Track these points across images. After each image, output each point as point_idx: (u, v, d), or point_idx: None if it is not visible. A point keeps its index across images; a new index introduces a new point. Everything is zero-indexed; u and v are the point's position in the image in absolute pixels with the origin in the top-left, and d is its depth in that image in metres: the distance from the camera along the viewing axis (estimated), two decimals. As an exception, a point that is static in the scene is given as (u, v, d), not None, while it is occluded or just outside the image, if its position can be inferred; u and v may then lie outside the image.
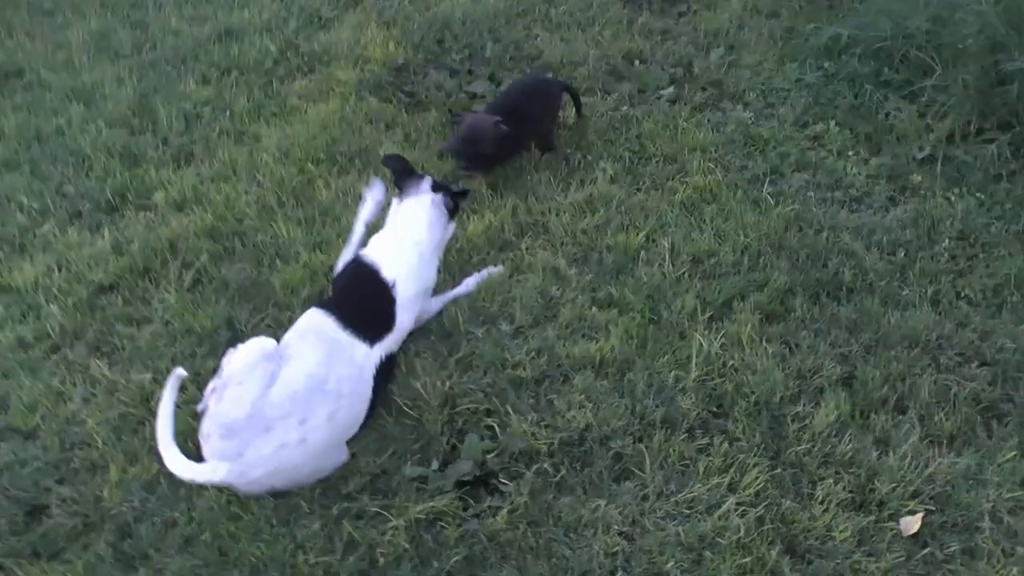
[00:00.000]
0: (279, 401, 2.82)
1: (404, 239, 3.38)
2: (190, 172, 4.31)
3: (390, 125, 4.69)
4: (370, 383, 3.04)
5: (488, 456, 2.93)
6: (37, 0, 6.07)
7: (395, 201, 3.56)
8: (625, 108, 4.86)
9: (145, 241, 3.84)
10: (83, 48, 5.47)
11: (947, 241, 3.90)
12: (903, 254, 3.84)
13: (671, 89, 5.01)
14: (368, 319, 3.14)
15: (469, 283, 3.60)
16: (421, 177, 3.58)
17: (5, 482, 2.88)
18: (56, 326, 3.45)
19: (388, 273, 3.24)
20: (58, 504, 2.83)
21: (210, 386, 3.00)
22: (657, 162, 4.39)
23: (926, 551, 2.73)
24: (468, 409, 3.11)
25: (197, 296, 3.60)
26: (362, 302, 3.19)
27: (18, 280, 3.65)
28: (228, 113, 4.77)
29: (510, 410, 3.08)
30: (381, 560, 2.64)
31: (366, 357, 3.06)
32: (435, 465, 2.91)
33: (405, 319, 3.24)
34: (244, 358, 2.99)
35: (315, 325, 3.10)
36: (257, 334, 3.34)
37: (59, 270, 3.72)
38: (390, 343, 3.17)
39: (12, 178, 4.28)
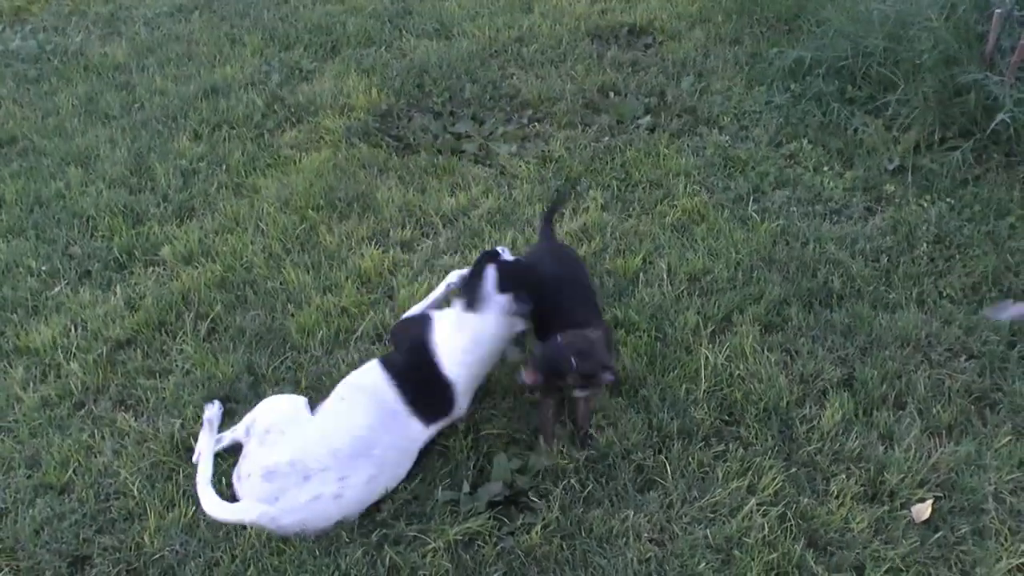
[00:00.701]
0: (322, 454, 2.91)
1: (469, 347, 3.20)
2: (194, 226, 4.41)
3: (383, 169, 4.83)
4: (414, 456, 3.11)
5: (516, 476, 3.04)
6: (22, 69, 6.13)
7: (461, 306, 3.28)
8: (606, 139, 5.05)
9: (158, 295, 3.93)
10: (73, 113, 5.55)
11: (925, 245, 4.12)
12: (886, 260, 4.04)
13: (648, 118, 5.22)
14: (430, 402, 3.14)
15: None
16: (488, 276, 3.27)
17: (46, 537, 2.93)
18: (78, 383, 3.52)
19: (450, 371, 3.15)
20: (100, 553, 2.89)
21: (242, 427, 3.10)
22: (644, 188, 4.58)
23: (939, 535, 2.90)
24: (492, 433, 3.23)
25: (215, 345, 3.69)
26: (426, 386, 3.15)
27: (36, 341, 3.71)
28: (224, 167, 4.88)
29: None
30: (424, 583, 2.73)
31: (419, 434, 3.11)
32: (466, 488, 3.02)
33: (462, 405, 3.21)
34: (286, 408, 3.11)
35: (377, 388, 3.12)
36: (279, 376, 3.47)
37: (75, 329, 3.79)
38: (442, 424, 3.20)
39: (18, 243, 4.34)
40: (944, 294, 3.88)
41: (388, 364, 3.18)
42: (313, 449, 2.93)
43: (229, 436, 3.19)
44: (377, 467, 2.95)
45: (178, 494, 3.05)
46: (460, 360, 3.16)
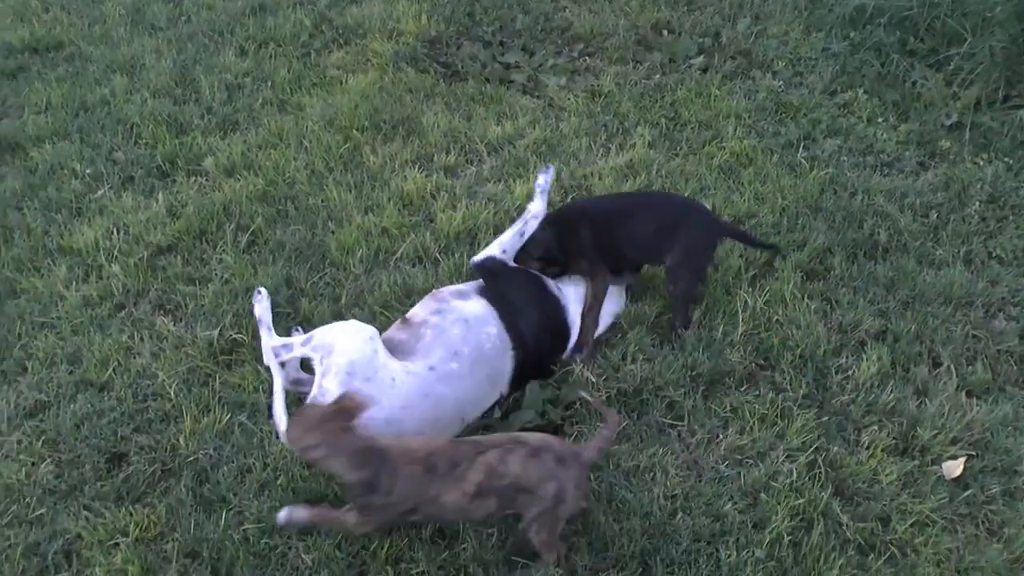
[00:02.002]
0: (422, 420, 2.85)
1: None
2: (237, 139, 4.41)
3: (429, 95, 4.79)
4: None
5: (548, 407, 3.05)
6: (70, -25, 6.13)
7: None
8: (657, 77, 4.96)
9: (199, 205, 3.95)
10: (120, 21, 5.54)
11: (977, 204, 4.03)
12: (935, 216, 3.96)
13: (701, 58, 5.11)
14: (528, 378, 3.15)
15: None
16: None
17: (85, 432, 3.00)
18: (119, 285, 3.56)
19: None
20: (136, 452, 2.95)
21: (308, 348, 2.97)
22: (693, 128, 4.51)
23: (968, 493, 2.87)
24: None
25: (254, 256, 3.71)
26: (540, 370, 3.20)
27: (79, 242, 3.76)
28: (269, 84, 4.86)
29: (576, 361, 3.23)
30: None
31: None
32: (497, 414, 3.04)
33: None
34: (363, 347, 2.88)
35: (495, 365, 3.08)
36: (317, 292, 3.48)
37: (117, 232, 3.83)
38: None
39: (63, 146, 4.37)
40: (993, 254, 3.80)
41: (517, 343, 3.14)
42: (416, 413, 2.84)
43: (296, 353, 3.00)
44: (457, 427, 2.97)
45: (213, 400, 3.09)
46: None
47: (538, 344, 3.19)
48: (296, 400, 3.03)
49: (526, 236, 3.43)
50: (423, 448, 2.53)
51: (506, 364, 3.10)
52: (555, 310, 3.31)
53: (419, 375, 2.90)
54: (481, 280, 3.33)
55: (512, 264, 3.39)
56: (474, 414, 3.02)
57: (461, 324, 3.06)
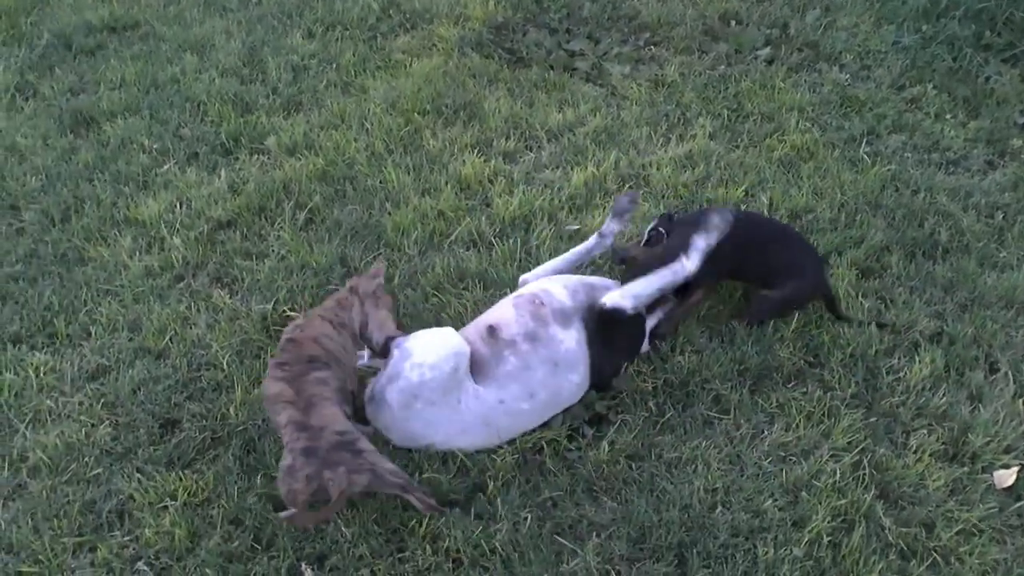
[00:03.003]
0: (483, 436, 2.88)
1: None
2: (300, 120, 4.49)
3: (492, 80, 4.81)
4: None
5: (596, 399, 3.06)
6: (148, -44, 6.30)
7: None
8: (722, 67, 4.91)
9: (260, 182, 4.04)
10: (193, 3, 5.68)
11: (1048, 206, 3.90)
12: (1001, 217, 3.86)
13: (767, 49, 5.04)
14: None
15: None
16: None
17: (142, 397, 3.10)
18: (180, 257, 3.67)
19: None
20: (188, 419, 3.03)
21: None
22: (755, 120, 4.45)
23: (1020, 503, 2.80)
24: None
25: (311, 234, 3.78)
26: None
27: (144, 214, 3.88)
28: (334, 66, 4.94)
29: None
30: (490, 485, 2.79)
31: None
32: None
33: None
34: (446, 366, 2.81)
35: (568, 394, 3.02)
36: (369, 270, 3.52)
37: (180, 206, 3.94)
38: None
39: (134, 121, 4.51)
40: (1061, 259, 3.69)
41: (594, 383, 3.06)
42: (469, 439, 2.86)
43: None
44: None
45: (264, 372, 3.16)
46: None
47: (610, 379, 3.12)
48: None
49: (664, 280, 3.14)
50: None
51: (572, 403, 3.04)
52: (639, 342, 3.22)
53: (487, 403, 2.86)
54: (594, 287, 3.18)
55: (633, 311, 3.11)
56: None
57: (548, 366, 2.93)
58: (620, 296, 3.05)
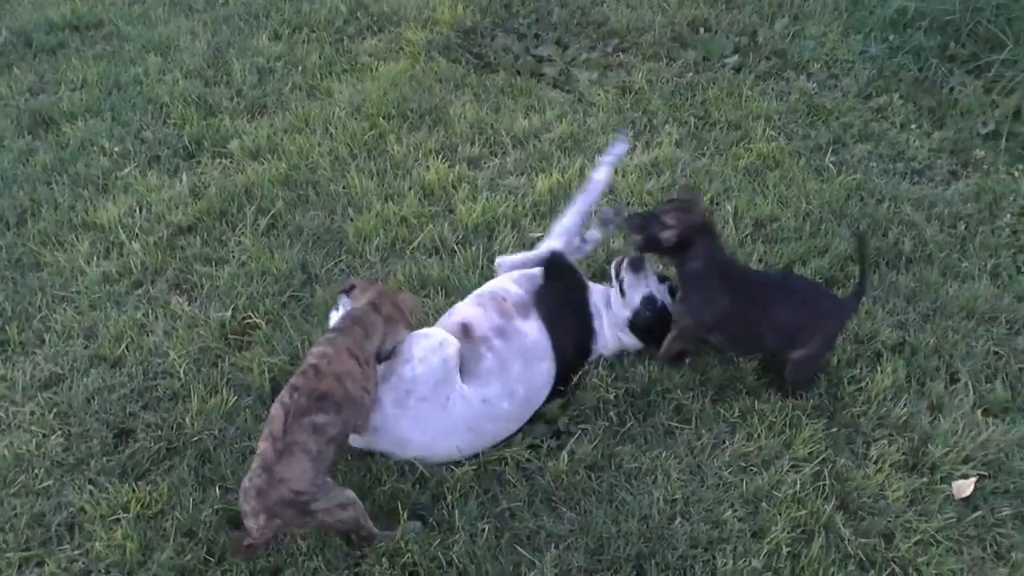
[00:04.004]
0: (467, 441, 2.87)
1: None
2: (264, 123, 4.44)
3: (459, 85, 4.79)
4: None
5: (560, 413, 3.04)
6: (113, -46, 6.21)
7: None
8: (690, 75, 4.91)
9: (222, 186, 3.99)
10: (158, 2, 5.63)
11: (1009, 216, 3.94)
12: (964, 227, 3.88)
13: (735, 57, 5.05)
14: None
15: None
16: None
17: (96, 406, 3.05)
18: (138, 263, 3.61)
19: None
20: (143, 429, 2.98)
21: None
22: (721, 128, 4.46)
23: (977, 514, 2.80)
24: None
25: (272, 240, 3.74)
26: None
27: (103, 218, 3.81)
28: (300, 68, 4.90)
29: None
30: (449, 496, 2.76)
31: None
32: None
33: None
34: (437, 367, 2.85)
35: (540, 390, 3.04)
36: (332, 278, 3.49)
37: (140, 210, 3.88)
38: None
39: (95, 123, 4.44)
40: (1022, 269, 3.70)
41: (560, 375, 3.08)
42: (451, 442, 2.84)
43: None
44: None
45: (221, 381, 3.13)
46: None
47: (575, 370, 3.14)
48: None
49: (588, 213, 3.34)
50: None
51: (545, 395, 3.05)
52: (590, 327, 3.22)
53: (472, 405, 2.85)
54: (536, 277, 3.22)
55: (569, 260, 3.30)
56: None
57: (520, 359, 2.96)
58: (553, 240, 3.33)
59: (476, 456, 2.88)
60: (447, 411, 2.81)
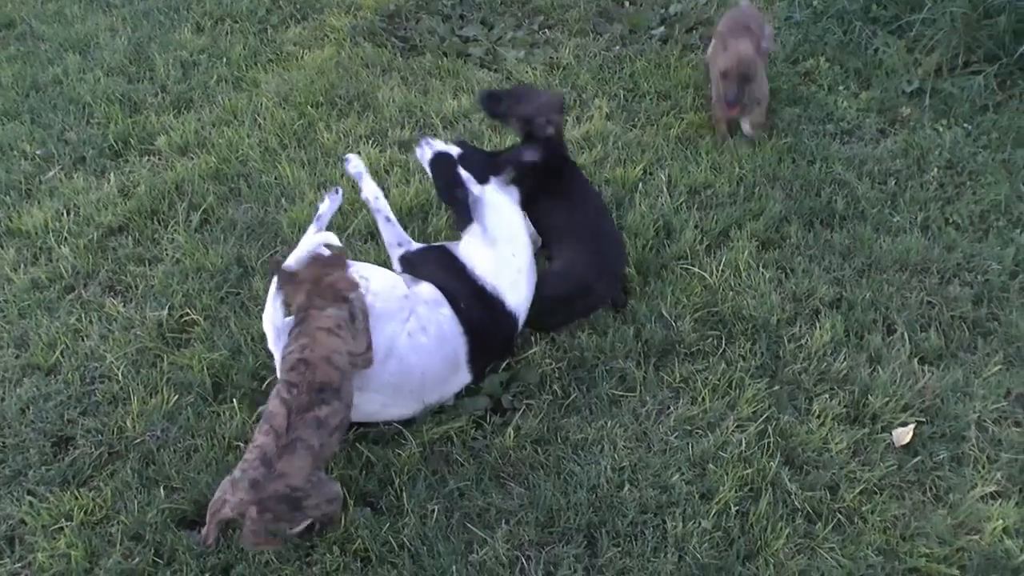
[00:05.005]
0: (386, 386, 2.84)
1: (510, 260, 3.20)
2: (191, 117, 4.35)
3: (386, 70, 4.74)
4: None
5: (503, 390, 3.05)
6: (23, -48, 6.02)
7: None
8: (617, 48, 4.92)
9: (151, 184, 3.90)
10: (73, -1, 5.49)
11: (936, 170, 4.01)
12: (894, 183, 3.95)
13: (662, 29, 5.08)
14: (489, 358, 3.10)
15: None
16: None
17: (31, 416, 2.97)
18: (69, 267, 3.52)
19: (514, 304, 3.15)
20: (83, 435, 2.92)
21: None
22: (651, 99, 4.47)
23: (917, 460, 2.87)
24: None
25: (206, 236, 3.67)
26: (491, 340, 3.11)
27: (28, 224, 3.71)
28: (225, 60, 4.80)
29: (531, 339, 3.20)
30: (396, 479, 2.75)
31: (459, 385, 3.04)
32: (450, 401, 3.02)
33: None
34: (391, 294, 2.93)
35: (456, 346, 2.99)
36: (268, 270, 3.43)
37: (67, 214, 3.78)
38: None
39: (13, 127, 4.31)
40: (950, 220, 3.79)
41: (464, 320, 3.04)
42: (386, 375, 2.82)
43: None
44: (416, 406, 2.93)
45: (162, 380, 3.07)
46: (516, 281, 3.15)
47: (482, 323, 3.07)
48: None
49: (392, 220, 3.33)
50: None
51: (462, 347, 3.01)
52: (471, 279, 3.17)
53: (398, 334, 2.85)
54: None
55: (417, 248, 3.33)
56: (433, 396, 2.96)
57: (423, 304, 2.98)
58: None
59: (419, 434, 2.87)
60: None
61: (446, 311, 3.02)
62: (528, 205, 3.33)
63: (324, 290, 2.70)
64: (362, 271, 2.91)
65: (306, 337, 2.62)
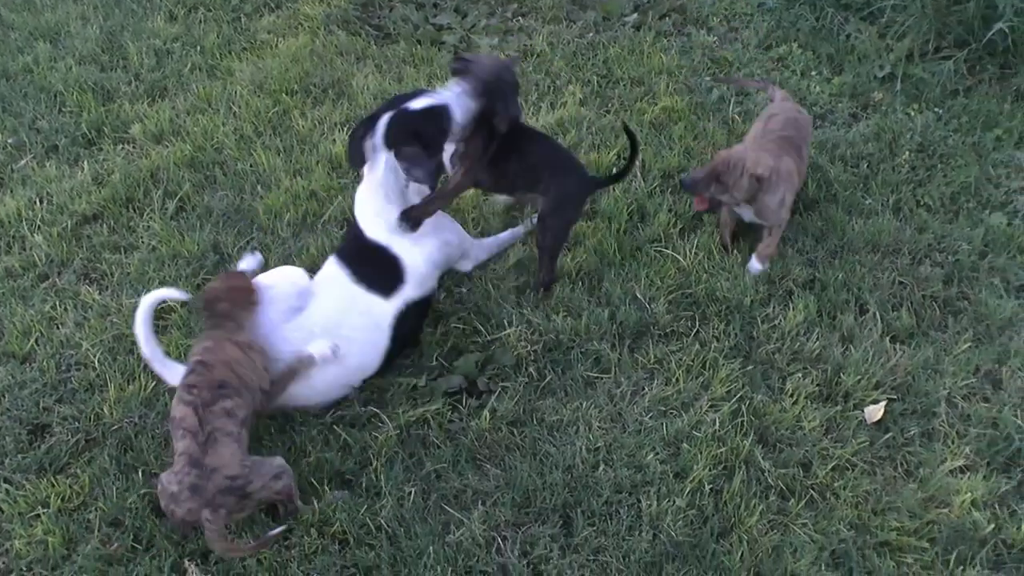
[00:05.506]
0: (293, 337, 2.88)
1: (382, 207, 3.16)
2: (165, 106, 4.33)
3: (360, 57, 4.73)
4: (387, 331, 3.04)
5: (478, 371, 3.07)
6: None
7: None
8: (591, 35, 4.93)
9: (126, 172, 3.88)
10: (44, -14, 5.43)
11: (907, 153, 4.06)
12: (866, 166, 3.99)
13: (635, 15, 5.09)
14: (378, 275, 3.08)
15: (518, 231, 3.60)
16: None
17: (6, 404, 2.96)
18: (43, 256, 3.50)
19: (376, 236, 3.13)
20: (59, 422, 2.91)
21: None
22: (625, 85, 4.49)
23: (888, 436, 2.92)
24: (459, 328, 3.24)
25: (181, 223, 3.66)
26: (367, 260, 3.11)
27: (1, 213, 3.68)
28: (199, 48, 4.77)
29: (504, 322, 3.21)
30: (374, 461, 2.76)
31: (384, 309, 3.04)
32: (423, 382, 3.03)
33: (418, 273, 3.11)
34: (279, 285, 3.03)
35: (336, 273, 3.09)
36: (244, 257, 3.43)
37: (41, 202, 3.76)
38: (412, 298, 3.09)
39: (-16, 116, 4.29)
40: (921, 202, 3.84)
41: (338, 252, 3.17)
42: (288, 331, 2.89)
43: None
44: (344, 345, 2.91)
45: (138, 367, 3.06)
46: (377, 223, 3.12)
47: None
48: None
49: None
50: None
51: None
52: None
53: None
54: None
55: None
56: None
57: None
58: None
59: (396, 417, 2.89)
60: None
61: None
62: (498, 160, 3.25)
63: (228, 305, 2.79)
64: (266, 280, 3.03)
65: (208, 341, 2.69)
